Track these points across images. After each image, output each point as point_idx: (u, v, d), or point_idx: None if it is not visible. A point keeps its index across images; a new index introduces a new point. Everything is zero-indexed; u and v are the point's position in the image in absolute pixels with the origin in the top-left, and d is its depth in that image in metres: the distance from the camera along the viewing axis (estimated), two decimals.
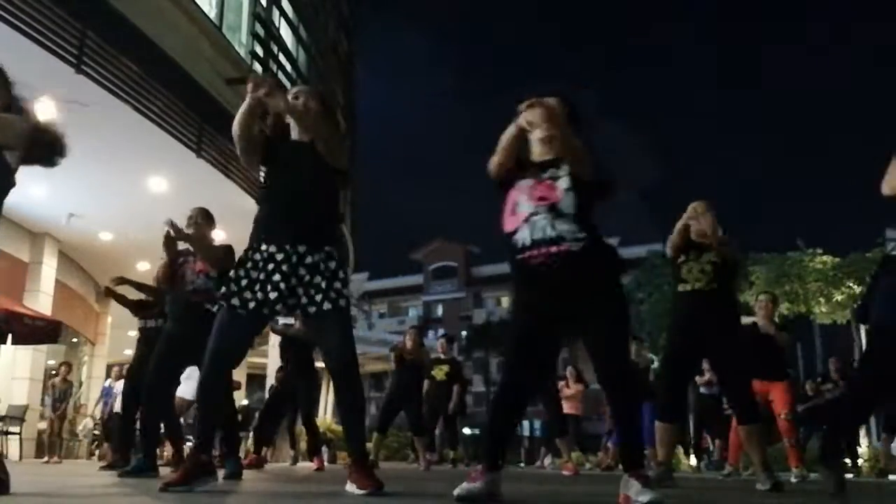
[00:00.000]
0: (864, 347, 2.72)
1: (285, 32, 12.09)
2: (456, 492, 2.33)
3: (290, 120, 2.90)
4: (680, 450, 10.49)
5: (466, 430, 15.14)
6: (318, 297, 2.66)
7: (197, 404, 2.83)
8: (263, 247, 2.71)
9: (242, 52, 10.49)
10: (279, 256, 2.67)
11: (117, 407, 9.12)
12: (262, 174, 2.95)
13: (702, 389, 8.28)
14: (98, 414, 10.96)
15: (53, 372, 10.81)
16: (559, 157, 2.52)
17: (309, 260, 2.68)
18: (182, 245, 4.36)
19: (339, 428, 7.91)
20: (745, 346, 4.29)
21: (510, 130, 2.53)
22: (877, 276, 2.75)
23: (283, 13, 12.09)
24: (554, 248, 2.39)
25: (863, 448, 9.58)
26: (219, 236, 5.32)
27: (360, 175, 18.78)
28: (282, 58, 11.59)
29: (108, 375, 11.83)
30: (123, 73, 7.27)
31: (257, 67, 10.54)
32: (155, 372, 4.28)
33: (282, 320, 6.39)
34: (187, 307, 4.24)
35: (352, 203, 16.71)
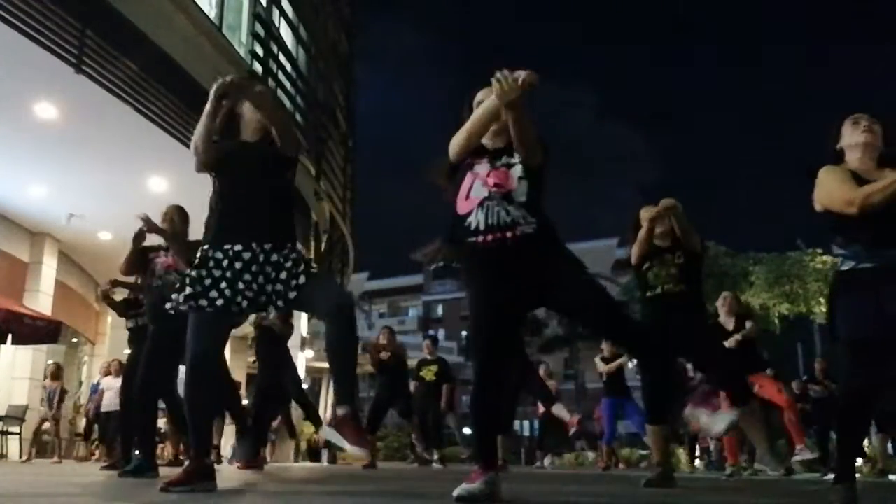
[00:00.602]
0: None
1: (285, 32, 12.08)
2: (455, 492, 2.33)
3: (244, 116, 2.88)
4: (680, 450, 10.52)
5: (467, 430, 15.08)
6: (283, 289, 2.63)
7: (187, 409, 2.72)
8: (227, 245, 2.67)
9: (242, 52, 10.48)
10: (247, 255, 2.65)
11: (105, 403, 9.12)
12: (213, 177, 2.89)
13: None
14: (86, 411, 10.90)
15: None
16: (510, 145, 2.54)
17: (274, 258, 2.67)
18: (156, 240, 4.42)
19: None
20: (715, 336, 4.35)
21: (489, 109, 2.47)
22: (834, 294, 2.67)
23: (283, 13, 12.08)
24: (509, 234, 2.44)
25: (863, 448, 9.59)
26: None
27: (360, 175, 18.77)
28: (282, 58, 11.58)
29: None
30: (123, 73, 7.26)
31: (257, 67, 10.54)
32: (146, 371, 4.27)
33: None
34: (162, 304, 4.24)
35: (351, 203, 16.69)
